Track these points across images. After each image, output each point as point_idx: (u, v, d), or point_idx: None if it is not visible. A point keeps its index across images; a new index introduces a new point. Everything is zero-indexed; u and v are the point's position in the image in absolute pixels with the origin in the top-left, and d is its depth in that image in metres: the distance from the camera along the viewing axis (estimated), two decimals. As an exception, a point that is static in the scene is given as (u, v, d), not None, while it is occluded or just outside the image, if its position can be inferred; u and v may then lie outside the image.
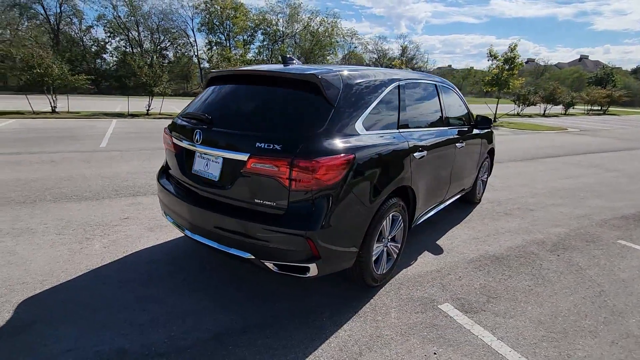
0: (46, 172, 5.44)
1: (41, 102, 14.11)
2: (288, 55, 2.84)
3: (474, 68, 68.93)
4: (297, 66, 2.70)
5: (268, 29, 53.43)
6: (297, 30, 53.88)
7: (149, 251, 3.12)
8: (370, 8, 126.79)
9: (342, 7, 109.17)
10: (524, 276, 3.04)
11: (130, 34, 46.35)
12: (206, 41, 50.46)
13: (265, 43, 54.30)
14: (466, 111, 4.18)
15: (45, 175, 5.26)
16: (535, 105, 24.94)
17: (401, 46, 66.43)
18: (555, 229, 4.14)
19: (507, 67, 18.22)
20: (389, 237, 2.74)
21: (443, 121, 3.50)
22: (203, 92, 2.82)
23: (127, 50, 45.99)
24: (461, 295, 2.70)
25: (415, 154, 2.77)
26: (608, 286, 2.93)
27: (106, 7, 43.56)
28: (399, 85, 2.82)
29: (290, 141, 2.04)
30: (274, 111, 2.28)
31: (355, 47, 62.40)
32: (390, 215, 2.62)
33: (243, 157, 2.10)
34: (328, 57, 53.80)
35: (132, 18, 45.53)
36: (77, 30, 42.78)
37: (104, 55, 44.64)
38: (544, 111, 26.59)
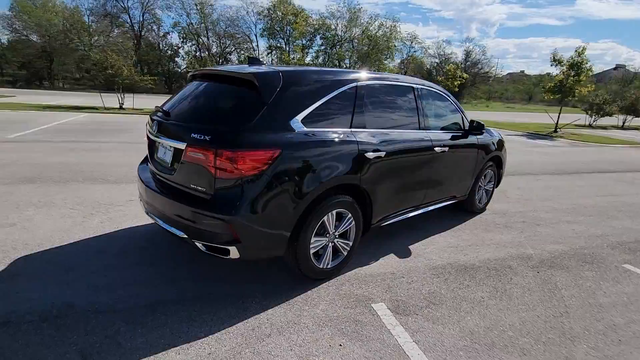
0: (88, 158, 6.28)
1: (113, 100, 16.03)
2: (253, 56, 3.05)
3: (550, 74, 63.39)
4: (245, 66, 2.88)
5: (327, 34, 54.41)
6: (355, 35, 54.11)
7: (134, 229, 3.53)
8: (438, 11, 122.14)
9: (408, 10, 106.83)
10: (484, 288, 2.90)
11: (200, 39, 50.22)
12: (267, 45, 52.66)
13: (323, 47, 55.38)
14: (458, 117, 4.04)
15: (86, 160, 6.08)
16: (611, 115, 22.34)
17: (464, 50, 63.34)
18: (553, 246, 3.82)
19: (572, 72, 16.58)
20: (336, 234, 2.80)
21: (419, 124, 3.45)
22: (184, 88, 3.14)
23: (196, 54, 49.92)
24: (402, 297, 2.67)
25: (368, 154, 2.81)
26: (576, 309, 2.68)
27: (181, 15, 47.73)
28: (356, 87, 2.88)
29: (219, 133, 2.24)
30: (215, 106, 2.51)
31: (415, 52, 60.89)
32: (334, 211, 2.69)
33: (182, 145, 2.35)
34: (385, 62, 53.25)
35: (203, 25, 49.30)
36: (155, 36, 47.43)
37: (177, 59, 48.79)
38: (623, 123, 23.67)
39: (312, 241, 2.61)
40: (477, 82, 67.97)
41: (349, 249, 2.95)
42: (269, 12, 50.06)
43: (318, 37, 54.54)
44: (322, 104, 2.62)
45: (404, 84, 3.40)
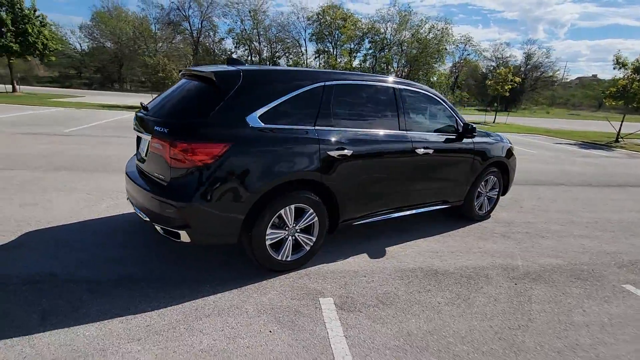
0: (120, 151, 6.95)
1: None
2: (235, 58, 3.24)
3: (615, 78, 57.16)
4: (225, 65, 3.06)
5: (375, 37, 54.08)
6: (405, 38, 53.13)
7: (131, 215, 3.89)
8: (500, 12, 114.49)
9: (467, 12, 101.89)
10: (446, 294, 2.81)
11: (252, 45, 52.46)
12: (314, 50, 53.58)
13: (371, 51, 55.12)
14: (450, 119, 3.92)
15: (116, 153, 6.74)
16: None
17: (525, 53, 59.49)
18: (548, 260, 3.55)
19: (638, 77, 14.93)
20: (297, 228, 2.89)
21: (399, 125, 3.42)
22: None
23: (248, 58, 52.22)
24: (354, 295, 2.69)
25: (332, 153, 2.87)
26: (540, 324, 2.51)
27: (235, 22, 50.21)
28: (324, 86, 2.95)
29: (175, 126, 2.45)
30: (180, 101, 2.73)
31: (468, 55, 58.31)
32: (293, 206, 2.79)
33: (149, 137, 2.60)
34: (435, 65, 51.60)
35: (255, 30, 51.46)
36: (211, 42, 50.42)
37: (229, 63, 51.30)
38: None
39: (267, 232, 2.72)
40: (538, 87, 63.34)
41: (312, 244, 3.01)
42: (318, 17, 50.93)
43: (366, 40, 54.42)
44: (283, 101, 2.74)
45: (382, 85, 3.39)
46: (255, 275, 2.86)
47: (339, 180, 2.97)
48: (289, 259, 2.92)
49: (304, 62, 53.40)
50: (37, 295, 2.40)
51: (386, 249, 3.54)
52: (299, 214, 2.88)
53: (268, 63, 49.68)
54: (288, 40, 53.68)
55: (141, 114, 2.91)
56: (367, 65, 55.74)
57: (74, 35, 51.41)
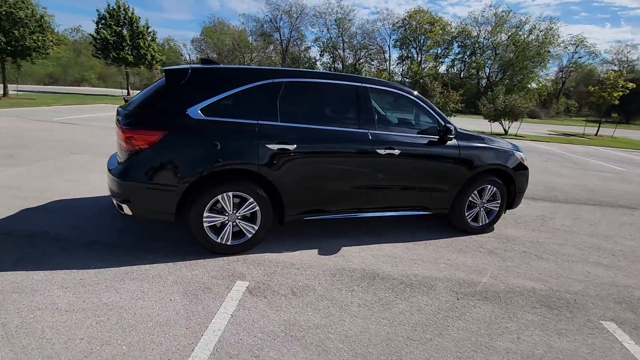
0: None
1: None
2: (209, 58, 3.59)
3: None
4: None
5: (466, 41, 50.81)
6: (500, 41, 48.77)
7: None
8: (634, 9, 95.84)
9: (591, 9, 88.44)
10: (368, 296, 2.71)
11: (337, 52, 53.94)
12: (397, 56, 52.71)
13: (459, 56, 51.91)
14: (428, 122, 3.71)
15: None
16: None
17: (655, 54, 49.84)
18: (524, 282, 3.12)
19: None
20: (238, 215, 3.10)
21: (359, 124, 3.37)
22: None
23: (332, 65, 53.82)
24: (272, 284, 2.78)
25: (271, 146, 3.01)
26: (449, 341, 2.28)
27: (322, 31, 52.24)
28: (272, 83, 3.11)
29: (125, 116, 2.89)
30: (142, 96, 3.15)
31: (580, 57, 50.98)
32: (231, 193, 3.01)
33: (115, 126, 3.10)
34: (535, 70, 46.19)
35: (340, 38, 52.81)
36: (297, 51, 53.28)
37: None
38: None
39: (205, 215, 2.98)
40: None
41: (254, 232, 3.18)
42: (403, 22, 50.00)
43: (455, 44, 51.47)
44: (227, 96, 2.99)
45: (342, 83, 3.38)
46: (199, 253, 3.14)
47: (281, 174, 3.09)
48: (229, 243, 3.13)
49: (386, 69, 52.90)
50: (23, 244, 3.05)
51: (343, 248, 3.51)
52: (241, 203, 3.08)
53: (351, 70, 50.40)
54: (372, 47, 53.84)
55: (119, 108, 3.45)
56: (454, 70, 52.70)
57: (185, 47, 59.24)
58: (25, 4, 15.27)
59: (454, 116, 19.45)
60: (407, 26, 49.76)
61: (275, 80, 3.14)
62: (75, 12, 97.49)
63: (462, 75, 52.12)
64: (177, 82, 2.92)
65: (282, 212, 3.26)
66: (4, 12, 14.04)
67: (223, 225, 3.09)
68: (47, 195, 4.28)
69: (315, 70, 3.70)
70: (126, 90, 24.64)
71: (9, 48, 14.79)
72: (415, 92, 3.72)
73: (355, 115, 3.39)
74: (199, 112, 2.90)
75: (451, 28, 50.56)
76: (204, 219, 2.99)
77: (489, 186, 3.98)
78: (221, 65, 3.27)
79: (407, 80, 48.22)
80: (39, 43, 15.74)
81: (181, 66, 3.17)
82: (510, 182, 4.11)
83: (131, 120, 2.83)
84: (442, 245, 3.75)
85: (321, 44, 53.23)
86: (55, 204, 4.04)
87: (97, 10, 20.34)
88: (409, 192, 3.68)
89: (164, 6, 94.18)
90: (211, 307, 2.43)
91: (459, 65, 53.03)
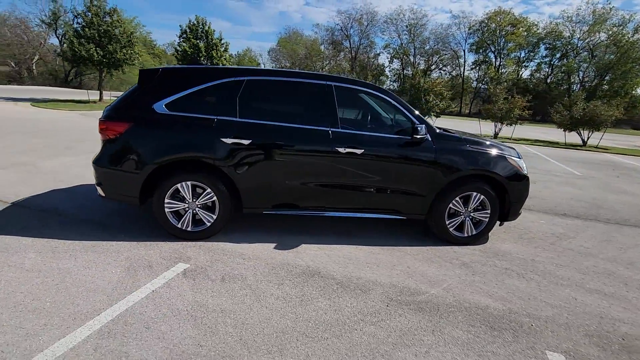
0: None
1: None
2: (196, 59, 3.91)
3: None
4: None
5: (556, 42, 45.66)
6: (599, 41, 42.83)
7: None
8: None
9: None
10: (294, 291, 2.71)
11: (406, 58, 52.72)
12: (472, 61, 49.60)
13: (547, 59, 46.77)
14: (399, 122, 3.56)
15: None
16: None
17: None
18: (483, 299, 2.80)
19: None
20: (197, 204, 3.33)
21: (321, 122, 3.37)
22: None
23: (403, 72, 52.69)
24: (210, 269, 2.93)
25: (226, 140, 3.19)
26: (335, 340, 2.18)
27: (393, 38, 51.56)
28: (234, 81, 3.30)
29: (106, 109, 3.31)
30: (124, 93, 3.55)
31: None
32: (189, 182, 3.25)
33: (104, 119, 3.57)
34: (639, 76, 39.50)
35: (411, 44, 51.52)
36: (366, 58, 53.30)
37: (381, 77, 53.08)
38: None
39: (166, 201, 3.27)
40: None
41: (212, 221, 3.38)
42: (481, 25, 46.85)
43: (542, 47, 46.51)
44: (190, 93, 3.25)
45: (306, 81, 3.42)
46: (165, 237, 3.43)
47: (236, 167, 3.25)
48: (189, 229, 3.37)
49: (459, 74, 50.07)
50: (33, 217, 3.67)
51: (303, 245, 3.52)
52: (201, 192, 3.31)
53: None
54: (445, 52, 51.49)
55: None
56: (540, 75, 47.73)
57: (261, 57, 63.19)
58: (120, 22, 18.03)
59: (519, 124, 17.62)
60: (485, 29, 46.53)
61: (237, 78, 3.32)
62: (175, 29, 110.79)
63: (548, 80, 46.89)
64: (148, 81, 3.28)
65: (239, 204, 3.41)
66: (102, 30, 16.81)
67: (184, 212, 3.35)
68: (77, 180, 5.03)
69: (278, 69, 3.79)
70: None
71: (104, 60, 17.69)
72: (386, 90, 3.59)
73: (317, 112, 3.41)
74: (164, 107, 3.21)
75: (538, 29, 45.94)
76: (165, 205, 3.28)
77: (476, 194, 3.63)
78: (189, 65, 3.56)
79: (481, 85, 45.03)
80: (127, 55, 18.47)
81: (156, 67, 3.53)
82: (504, 190, 3.69)
83: (106, 113, 3.25)
84: (412, 253, 3.53)
85: (391, 50, 52.57)
86: (78, 188, 4.74)
87: (180, 26, 22.93)
88: (378, 194, 3.55)
89: (252, 21, 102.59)
90: (141, 282, 2.67)
91: (546, 70, 47.85)
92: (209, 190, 3.29)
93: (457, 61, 51.48)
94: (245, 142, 3.22)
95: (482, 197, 3.65)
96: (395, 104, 3.56)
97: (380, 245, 3.64)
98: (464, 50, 50.62)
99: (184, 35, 23.32)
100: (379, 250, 3.53)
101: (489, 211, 3.71)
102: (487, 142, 3.80)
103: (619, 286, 3.18)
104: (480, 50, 48.28)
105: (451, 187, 3.59)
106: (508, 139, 17.08)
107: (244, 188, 3.32)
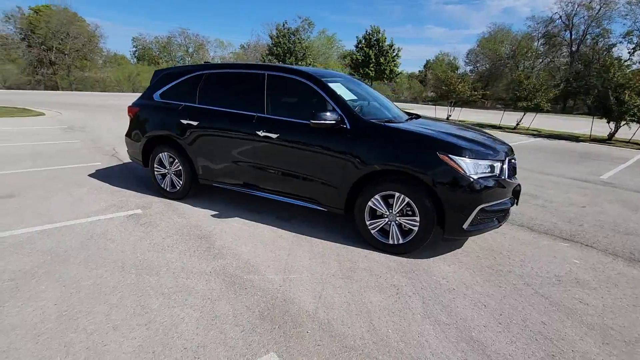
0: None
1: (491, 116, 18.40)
2: (210, 62, 4.86)
3: None
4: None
5: None
6: None
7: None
8: None
9: None
10: (156, 240, 3.26)
11: (663, 47, 38.23)
12: None
13: None
14: (322, 106, 3.38)
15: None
16: None
17: None
18: (304, 296, 2.52)
19: None
20: (172, 171, 4.31)
21: (250, 107, 3.68)
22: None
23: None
24: (147, 217, 3.82)
25: (183, 121, 4.02)
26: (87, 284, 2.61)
27: (635, 22, 38.47)
28: (200, 74, 4.07)
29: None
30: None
31: None
32: (165, 153, 4.27)
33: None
34: None
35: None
36: (592, 51, 41.72)
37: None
38: None
39: (155, 166, 4.41)
40: None
41: (179, 186, 4.29)
42: None
43: None
44: (172, 85, 4.26)
45: (245, 71, 3.84)
46: (152, 193, 4.57)
47: (190, 143, 4.03)
48: (167, 189, 4.40)
49: None
50: (74, 182, 5.47)
51: (236, 218, 3.90)
52: (172, 161, 4.27)
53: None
54: None
55: None
56: None
57: (456, 60, 59.75)
58: (298, 40, 21.75)
59: None
60: None
61: (200, 72, 4.07)
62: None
63: None
64: (155, 77, 4.49)
65: (195, 175, 4.16)
66: (286, 48, 20.83)
67: (165, 175, 4.39)
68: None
69: (232, 62, 4.24)
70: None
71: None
72: (317, 78, 3.45)
73: (250, 99, 3.72)
74: (159, 96, 4.34)
75: None
76: (155, 169, 4.43)
77: (398, 194, 3.03)
78: (177, 66, 4.54)
79: None
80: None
81: (160, 68, 4.70)
82: (445, 192, 2.91)
83: (135, 101, 4.65)
84: (333, 249, 3.31)
85: (636, 38, 39.21)
86: (132, 164, 6.46)
87: (357, 37, 25.21)
88: (294, 179, 3.52)
89: (470, 23, 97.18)
90: (99, 215, 3.84)
91: None
92: (176, 160, 4.20)
93: None
94: (194, 123, 3.94)
95: (407, 199, 3.00)
96: (320, 92, 3.41)
97: (309, 236, 3.51)
98: None
99: (359, 45, 25.39)
100: (296, 240, 3.44)
101: (417, 218, 3.01)
102: (433, 134, 3.06)
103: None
104: None
105: (368, 182, 3.15)
106: None
107: (195, 161, 4.06)
